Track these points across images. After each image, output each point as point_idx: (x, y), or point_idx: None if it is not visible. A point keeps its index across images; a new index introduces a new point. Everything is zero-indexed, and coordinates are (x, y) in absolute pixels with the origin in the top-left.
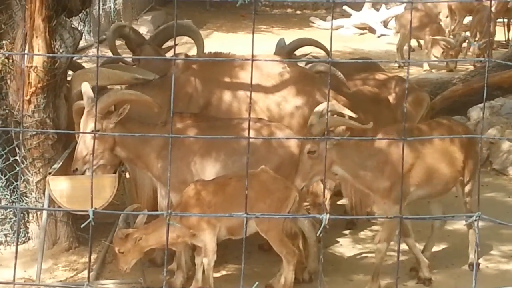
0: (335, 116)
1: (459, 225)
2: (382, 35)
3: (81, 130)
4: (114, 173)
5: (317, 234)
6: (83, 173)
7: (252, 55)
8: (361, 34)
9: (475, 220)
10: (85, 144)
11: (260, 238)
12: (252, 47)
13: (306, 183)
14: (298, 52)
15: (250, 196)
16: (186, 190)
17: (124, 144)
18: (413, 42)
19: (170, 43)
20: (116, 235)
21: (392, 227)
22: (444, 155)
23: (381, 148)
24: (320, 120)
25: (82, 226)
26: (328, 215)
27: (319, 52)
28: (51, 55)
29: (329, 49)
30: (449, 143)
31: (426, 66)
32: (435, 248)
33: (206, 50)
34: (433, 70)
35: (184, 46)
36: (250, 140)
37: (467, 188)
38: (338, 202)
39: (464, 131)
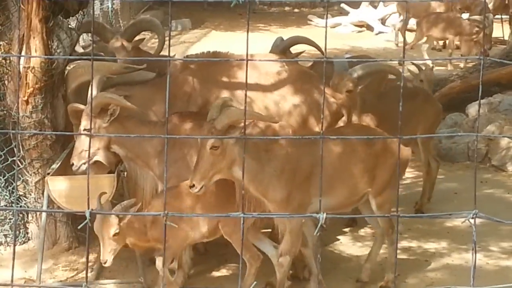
0: (235, 108)
1: (458, 222)
2: (380, 32)
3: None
4: (113, 172)
5: (315, 233)
6: (79, 168)
7: (247, 55)
8: (359, 31)
9: (472, 217)
10: (80, 140)
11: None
12: (247, 47)
13: (205, 182)
14: (294, 49)
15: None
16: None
17: (123, 143)
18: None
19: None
20: (109, 219)
21: (294, 239)
22: (348, 164)
23: (282, 153)
24: (223, 113)
25: (79, 227)
26: (325, 214)
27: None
28: (47, 57)
29: (324, 47)
30: (356, 151)
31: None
32: (435, 245)
33: (204, 49)
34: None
35: (182, 45)
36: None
37: (378, 201)
38: None
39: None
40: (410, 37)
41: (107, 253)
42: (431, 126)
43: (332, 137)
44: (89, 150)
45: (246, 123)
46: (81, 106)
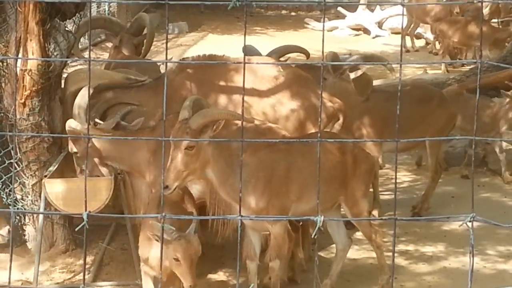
0: (210, 108)
1: (455, 225)
2: (377, 36)
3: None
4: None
5: (312, 236)
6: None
7: (245, 58)
8: (356, 35)
9: (470, 221)
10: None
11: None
12: (244, 49)
13: (178, 183)
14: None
15: None
16: None
17: (115, 157)
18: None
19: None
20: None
21: (280, 244)
22: (322, 171)
23: (255, 160)
24: (199, 113)
25: (76, 229)
26: (322, 217)
27: (314, 54)
28: (44, 59)
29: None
30: (328, 158)
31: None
32: (432, 249)
33: (201, 52)
34: (428, 71)
35: (179, 48)
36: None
37: (353, 211)
38: None
39: (354, 147)
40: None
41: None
42: (441, 131)
43: (330, 140)
44: (86, 152)
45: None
46: None
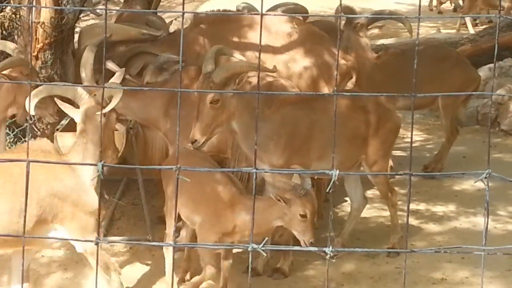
0: (234, 60)
1: (467, 185)
2: None
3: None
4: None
5: (327, 191)
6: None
7: (262, 10)
8: None
9: (485, 177)
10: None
11: None
12: (261, 3)
13: (207, 137)
14: None
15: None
16: None
17: (130, 109)
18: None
19: None
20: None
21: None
22: (344, 129)
23: (278, 117)
24: (222, 66)
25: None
26: (337, 171)
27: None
28: (59, 7)
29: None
30: (353, 117)
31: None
32: (443, 209)
33: (214, 8)
34: (441, 30)
35: (192, 4)
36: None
37: (373, 170)
38: None
39: (379, 106)
40: None
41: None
42: (456, 92)
43: (346, 93)
44: (101, 103)
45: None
46: None
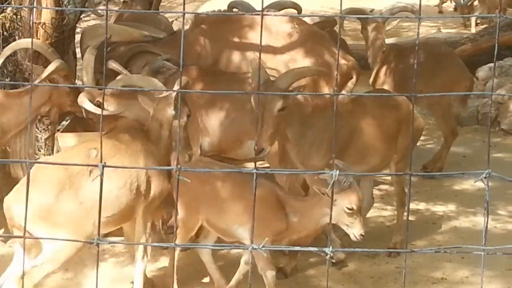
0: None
1: (467, 185)
2: None
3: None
4: None
5: (328, 189)
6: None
7: (262, 9)
8: None
9: (485, 177)
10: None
11: None
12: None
13: (271, 145)
14: None
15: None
16: None
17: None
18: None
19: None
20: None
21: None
22: (381, 131)
23: (322, 122)
24: (288, 73)
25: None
26: (337, 172)
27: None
28: (59, 8)
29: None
30: (387, 117)
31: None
32: (443, 208)
33: (215, 8)
34: (441, 29)
35: (193, 4)
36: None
37: (398, 167)
38: None
39: (406, 102)
40: None
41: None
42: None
43: (344, 94)
44: (102, 103)
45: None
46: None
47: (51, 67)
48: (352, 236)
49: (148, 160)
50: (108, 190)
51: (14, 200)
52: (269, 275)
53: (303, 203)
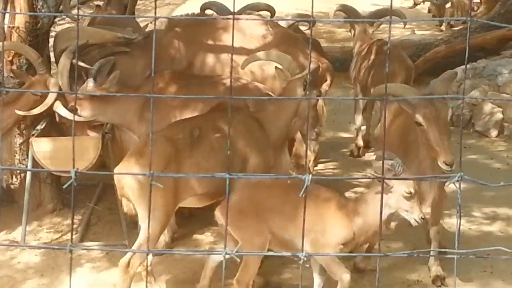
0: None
1: None
2: None
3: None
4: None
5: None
6: None
7: (234, 14)
8: None
9: (457, 180)
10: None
11: None
12: (233, 5)
13: None
14: None
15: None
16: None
17: (105, 113)
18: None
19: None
20: None
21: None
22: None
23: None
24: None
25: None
26: (310, 176)
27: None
28: (32, 13)
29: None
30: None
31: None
32: None
33: (189, 11)
34: (415, 31)
35: (167, 7)
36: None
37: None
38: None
39: None
40: None
41: None
42: None
43: (315, 98)
44: (74, 107)
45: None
46: None
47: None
48: (412, 221)
49: (250, 142)
50: (205, 170)
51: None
52: (345, 278)
53: (362, 202)
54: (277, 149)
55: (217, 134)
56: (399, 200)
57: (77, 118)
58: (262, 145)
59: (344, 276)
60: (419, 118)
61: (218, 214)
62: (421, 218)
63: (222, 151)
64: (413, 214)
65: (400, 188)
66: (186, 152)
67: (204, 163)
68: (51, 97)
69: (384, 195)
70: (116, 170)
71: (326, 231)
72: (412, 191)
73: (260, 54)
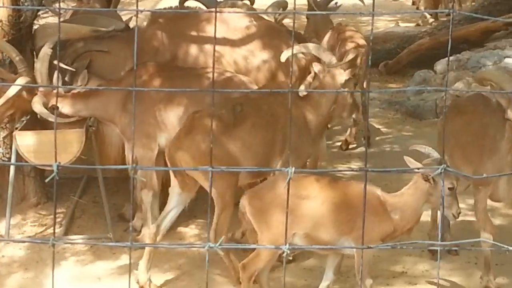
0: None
1: None
2: None
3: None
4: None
5: (283, 187)
6: None
7: (216, 8)
8: None
9: (440, 172)
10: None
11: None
12: (216, 3)
13: None
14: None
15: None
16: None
17: (86, 106)
18: None
19: None
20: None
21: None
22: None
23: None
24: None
25: (46, 181)
26: (293, 168)
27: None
28: (15, 7)
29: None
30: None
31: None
32: None
33: (173, 4)
34: (400, 23)
35: (151, 0)
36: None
37: None
38: None
39: None
40: None
41: None
42: None
43: (301, 90)
44: (56, 102)
45: None
46: None
47: (20, 82)
48: (451, 217)
49: (283, 125)
50: (248, 146)
51: (175, 147)
52: (368, 283)
53: (400, 197)
54: (316, 135)
55: (259, 112)
56: (440, 196)
57: (58, 118)
58: (301, 129)
59: (367, 281)
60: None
61: (245, 203)
62: (459, 213)
63: (264, 129)
64: (452, 209)
65: (445, 184)
66: (230, 126)
67: (248, 138)
68: (12, 90)
69: (424, 191)
70: (168, 147)
71: (367, 227)
72: (456, 185)
73: (297, 46)
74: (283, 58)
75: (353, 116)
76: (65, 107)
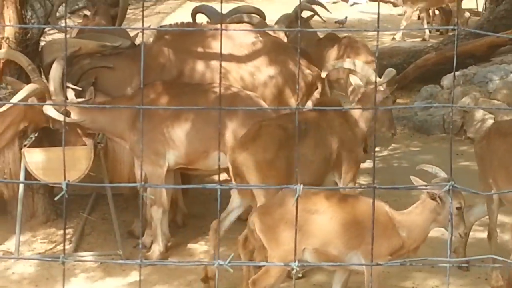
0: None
1: None
2: (354, 3)
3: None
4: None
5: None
6: None
7: (221, 24)
8: (334, 2)
9: (448, 189)
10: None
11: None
12: (221, 17)
13: None
14: None
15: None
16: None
17: (96, 124)
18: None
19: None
20: None
21: None
22: None
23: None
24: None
25: (56, 199)
26: (301, 186)
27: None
28: (22, 26)
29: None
30: None
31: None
32: None
33: (179, 20)
34: (406, 39)
35: (157, 16)
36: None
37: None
38: None
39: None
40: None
41: None
42: None
43: (306, 109)
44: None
45: None
46: None
47: (28, 89)
48: (458, 236)
49: (338, 140)
50: (308, 163)
51: (240, 150)
52: None
53: (408, 216)
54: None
55: (319, 129)
56: (447, 216)
57: (67, 119)
58: (352, 143)
59: None
60: None
61: (255, 220)
62: (465, 233)
63: (323, 146)
64: (459, 229)
65: (453, 204)
66: (295, 141)
67: (310, 155)
68: (31, 87)
69: (432, 210)
70: (231, 149)
71: (376, 242)
72: (463, 204)
73: (345, 62)
74: (326, 70)
75: (392, 131)
76: (75, 115)
